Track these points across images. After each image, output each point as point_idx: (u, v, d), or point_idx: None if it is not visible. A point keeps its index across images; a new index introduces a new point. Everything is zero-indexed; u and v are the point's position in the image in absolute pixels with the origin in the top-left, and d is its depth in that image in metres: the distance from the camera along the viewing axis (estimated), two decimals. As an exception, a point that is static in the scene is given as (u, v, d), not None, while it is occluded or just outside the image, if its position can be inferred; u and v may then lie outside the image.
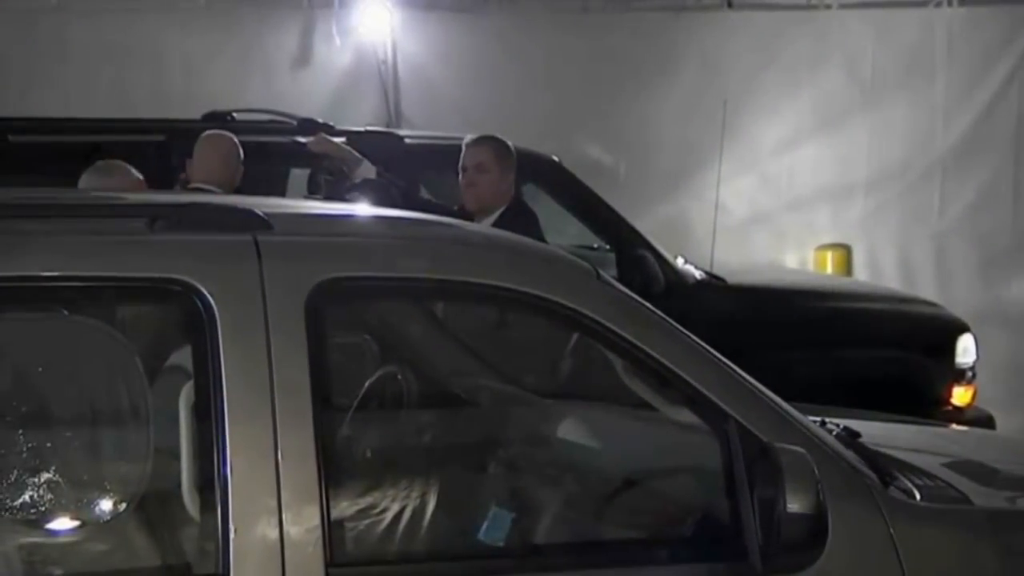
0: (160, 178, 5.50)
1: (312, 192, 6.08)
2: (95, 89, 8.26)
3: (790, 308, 6.48)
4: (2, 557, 2.55)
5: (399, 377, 3.21)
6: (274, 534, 2.53)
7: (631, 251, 6.15)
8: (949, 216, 9.33)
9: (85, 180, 4.80)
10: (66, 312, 2.70)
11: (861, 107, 9.25)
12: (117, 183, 4.77)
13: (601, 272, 3.04)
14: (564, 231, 6.51)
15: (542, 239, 5.01)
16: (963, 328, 6.49)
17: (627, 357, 2.93)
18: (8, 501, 2.55)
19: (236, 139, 5.56)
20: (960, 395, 6.37)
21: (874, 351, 6.29)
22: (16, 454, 2.57)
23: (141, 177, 4.92)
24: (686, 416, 2.98)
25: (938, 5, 9.25)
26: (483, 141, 5.49)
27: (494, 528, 2.86)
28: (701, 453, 2.94)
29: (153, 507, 2.65)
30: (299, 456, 2.56)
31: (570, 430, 3.39)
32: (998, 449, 4.12)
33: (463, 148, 5.49)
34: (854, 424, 3.38)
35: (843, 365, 6.15)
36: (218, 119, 6.29)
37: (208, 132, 5.61)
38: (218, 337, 2.57)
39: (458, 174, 5.54)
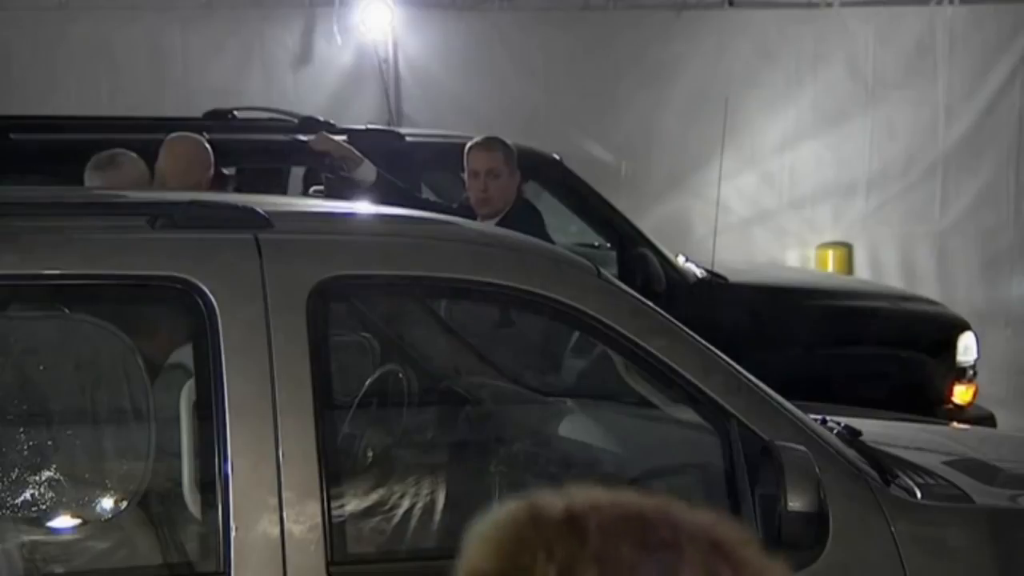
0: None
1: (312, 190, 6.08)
2: (95, 88, 8.26)
3: (791, 307, 6.47)
4: (4, 555, 2.55)
5: (400, 375, 3.21)
6: (275, 532, 2.53)
7: (632, 249, 6.14)
8: (950, 215, 9.31)
9: (90, 176, 4.70)
10: (67, 310, 2.70)
11: (862, 105, 9.24)
12: (124, 174, 4.68)
13: (602, 270, 3.04)
14: (565, 230, 6.50)
15: (547, 238, 4.99)
16: (964, 326, 6.48)
17: (628, 355, 2.93)
18: (10, 499, 2.55)
19: (203, 140, 5.17)
20: (961, 393, 6.35)
21: (875, 349, 6.29)
22: (18, 452, 2.57)
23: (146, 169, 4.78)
24: (687, 414, 2.98)
25: (939, 3, 9.23)
26: (492, 145, 5.43)
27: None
28: (702, 451, 2.94)
29: (154, 505, 2.66)
30: (300, 454, 2.56)
31: (571, 428, 3.39)
32: (999, 447, 4.11)
33: (468, 151, 5.43)
34: (855, 422, 3.38)
35: (844, 363, 6.14)
36: (219, 117, 6.29)
37: (171, 136, 5.18)
38: (219, 335, 2.57)
39: (462, 173, 5.52)
